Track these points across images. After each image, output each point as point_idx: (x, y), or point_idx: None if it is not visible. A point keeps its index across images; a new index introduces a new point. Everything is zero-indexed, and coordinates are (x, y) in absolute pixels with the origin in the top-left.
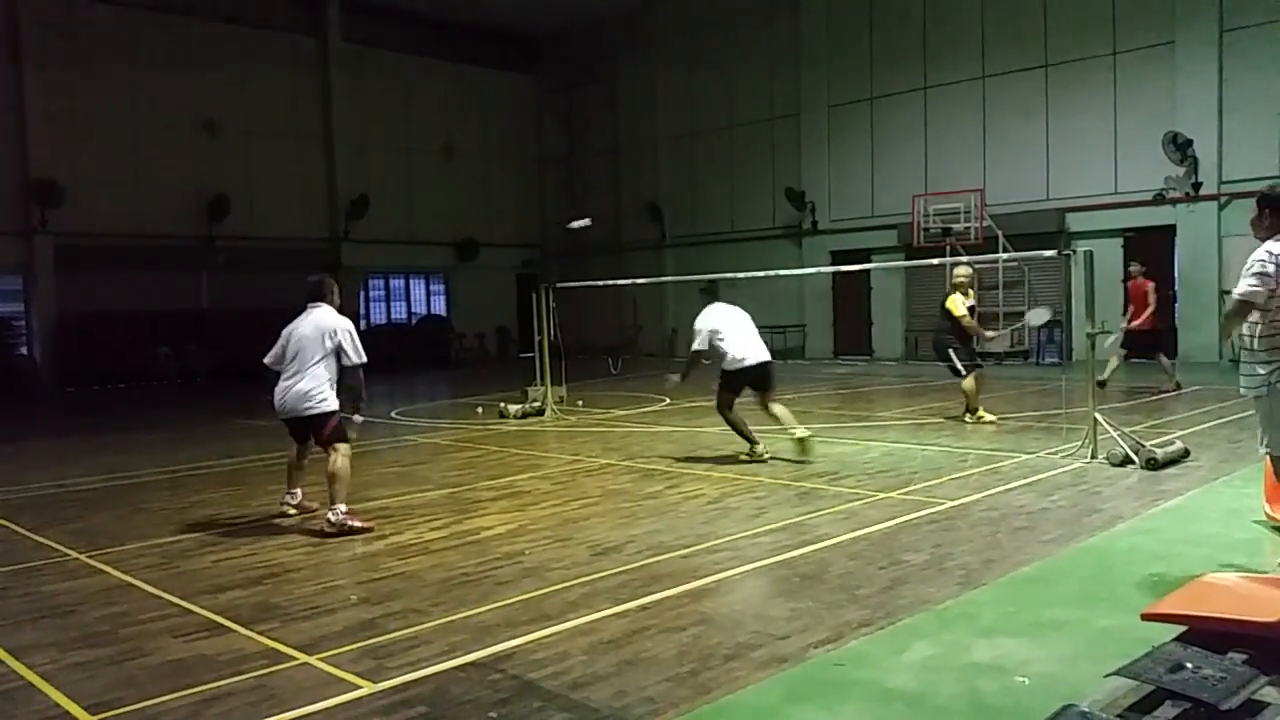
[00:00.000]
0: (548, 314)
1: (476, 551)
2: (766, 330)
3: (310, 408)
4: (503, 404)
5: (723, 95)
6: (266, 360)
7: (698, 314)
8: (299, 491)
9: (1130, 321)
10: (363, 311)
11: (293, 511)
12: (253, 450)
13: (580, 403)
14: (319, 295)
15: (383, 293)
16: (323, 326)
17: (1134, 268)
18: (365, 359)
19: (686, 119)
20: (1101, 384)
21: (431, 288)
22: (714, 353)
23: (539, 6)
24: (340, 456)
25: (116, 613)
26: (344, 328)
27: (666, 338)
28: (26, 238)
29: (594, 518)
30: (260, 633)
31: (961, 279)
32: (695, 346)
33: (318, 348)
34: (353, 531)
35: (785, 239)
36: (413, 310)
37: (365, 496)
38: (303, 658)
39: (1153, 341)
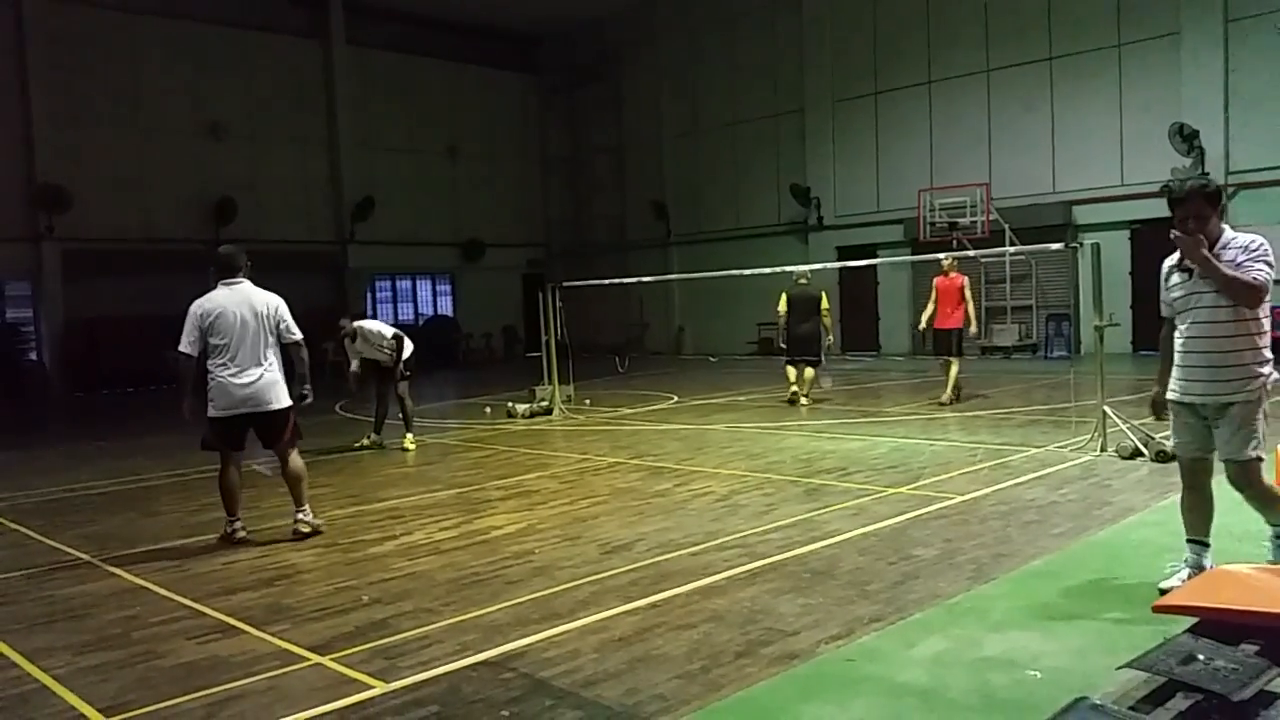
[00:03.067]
0: (554, 313)
1: (486, 551)
2: (773, 326)
3: (276, 401)
4: (510, 403)
5: (726, 92)
6: (185, 348)
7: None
8: (240, 520)
9: (933, 321)
10: (370, 313)
11: (245, 534)
12: (261, 453)
13: (587, 401)
14: (235, 269)
15: (389, 294)
16: (259, 306)
17: (946, 261)
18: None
19: (690, 116)
20: (950, 400)
21: (438, 288)
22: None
23: (541, 6)
24: (297, 454)
25: (129, 615)
26: (278, 302)
27: (673, 336)
28: (34, 243)
29: (603, 516)
30: (272, 634)
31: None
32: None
33: (266, 331)
34: (319, 531)
35: (791, 235)
36: (419, 311)
37: (375, 497)
38: (315, 658)
39: (957, 342)
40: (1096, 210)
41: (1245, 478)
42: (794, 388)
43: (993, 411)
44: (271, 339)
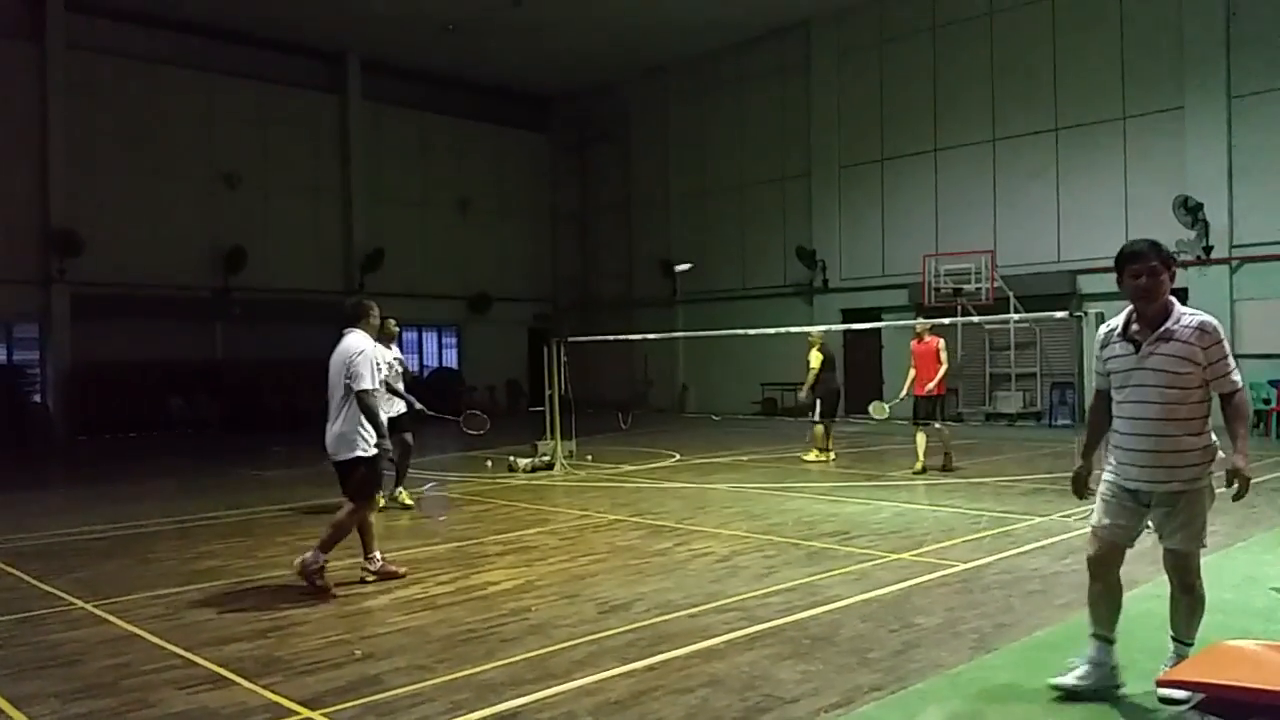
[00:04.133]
0: (559, 368)
1: (482, 607)
2: (777, 387)
3: (339, 453)
4: (512, 457)
5: (734, 155)
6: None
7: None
8: (378, 554)
9: (916, 387)
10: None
11: (371, 579)
12: (261, 501)
13: (589, 457)
14: (352, 319)
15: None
16: (342, 357)
17: (920, 324)
18: (374, 385)
19: (698, 177)
20: (922, 470)
21: (444, 341)
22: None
23: (554, 67)
24: (350, 513)
25: (120, 663)
26: (356, 350)
27: (677, 394)
28: (44, 286)
29: (602, 574)
30: (263, 686)
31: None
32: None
33: (340, 382)
34: (314, 586)
35: (796, 296)
36: (424, 363)
37: None
38: (305, 713)
39: (939, 407)
40: (1101, 279)
41: (1187, 568)
42: (830, 453)
43: (996, 479)
44: (346, 390)
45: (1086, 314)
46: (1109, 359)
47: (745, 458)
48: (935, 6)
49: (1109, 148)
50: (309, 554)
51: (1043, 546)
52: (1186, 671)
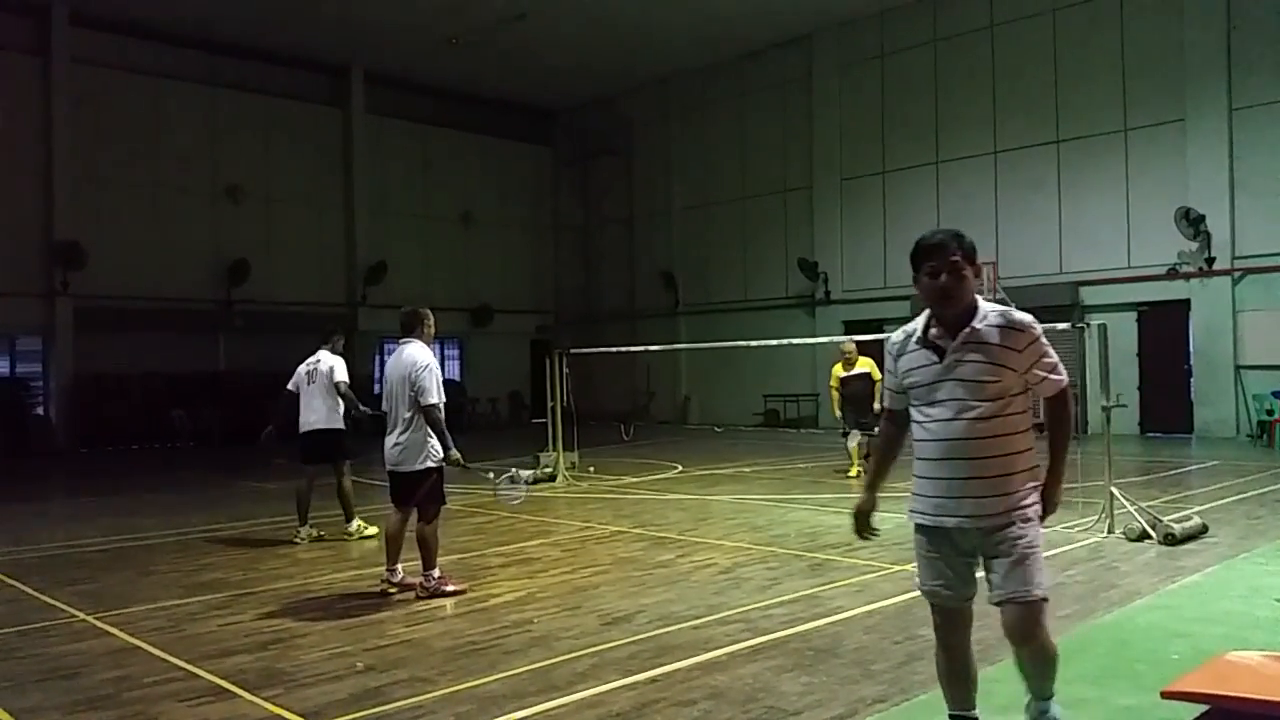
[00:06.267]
0: (561, 380)
1: (485, 619)
2: (779, 398)
3: (406, 463)
4: (514, 469)
5: (736, 167)
6: (384, 406)
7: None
8: (400, 568)
9: None
10: (376, 375)
11: (393, 591)
12: (263, 514)
13: (592, 469)
14: (409, 328)
15: None
16: (405, 368)
17: None
18: (441, 399)
19: (700, 189)
20: None
21: (446, 353)
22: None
23: (556, 80)
24: (428, 524)
25: (121, 676)
26: (421, 364)
27: (679, 405)
28: (47, 299)
29: (604, 586)
30: (265, 699)
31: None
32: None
33: (405, 393)
34: (445, 595)
35: (798, 308)
36: None
37: (375, 561)
38: None
39: None
40: (1103, 291)
41: (1031, 624)
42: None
43: None
44: (412, 403)
45: (1089, 325)
46: (906, 371)
47: (748, 469)
48: (937, 19)
49: (1110, 160)
50: (421, 579)
51: (1046, 558)
52: (1191, 683)
